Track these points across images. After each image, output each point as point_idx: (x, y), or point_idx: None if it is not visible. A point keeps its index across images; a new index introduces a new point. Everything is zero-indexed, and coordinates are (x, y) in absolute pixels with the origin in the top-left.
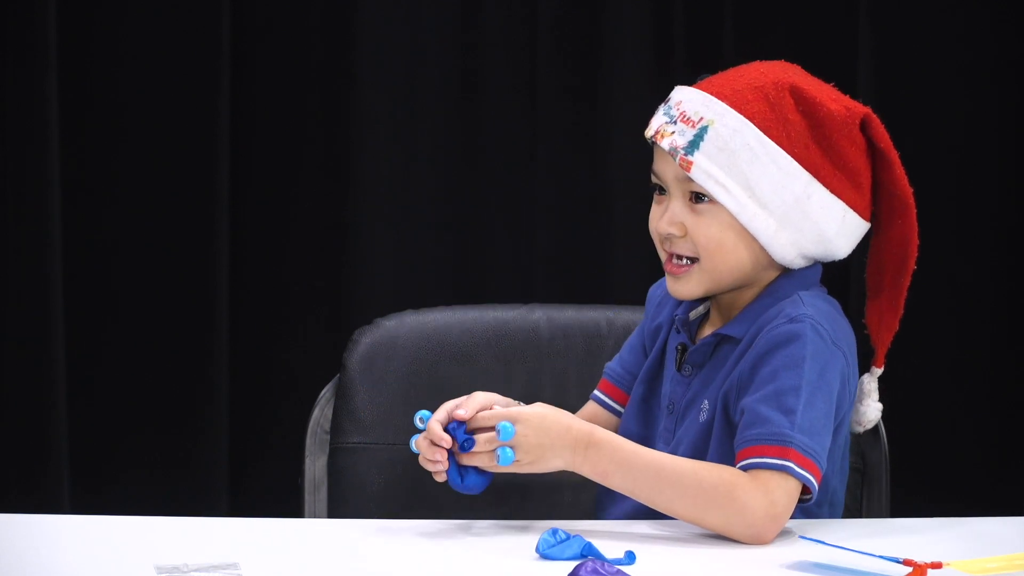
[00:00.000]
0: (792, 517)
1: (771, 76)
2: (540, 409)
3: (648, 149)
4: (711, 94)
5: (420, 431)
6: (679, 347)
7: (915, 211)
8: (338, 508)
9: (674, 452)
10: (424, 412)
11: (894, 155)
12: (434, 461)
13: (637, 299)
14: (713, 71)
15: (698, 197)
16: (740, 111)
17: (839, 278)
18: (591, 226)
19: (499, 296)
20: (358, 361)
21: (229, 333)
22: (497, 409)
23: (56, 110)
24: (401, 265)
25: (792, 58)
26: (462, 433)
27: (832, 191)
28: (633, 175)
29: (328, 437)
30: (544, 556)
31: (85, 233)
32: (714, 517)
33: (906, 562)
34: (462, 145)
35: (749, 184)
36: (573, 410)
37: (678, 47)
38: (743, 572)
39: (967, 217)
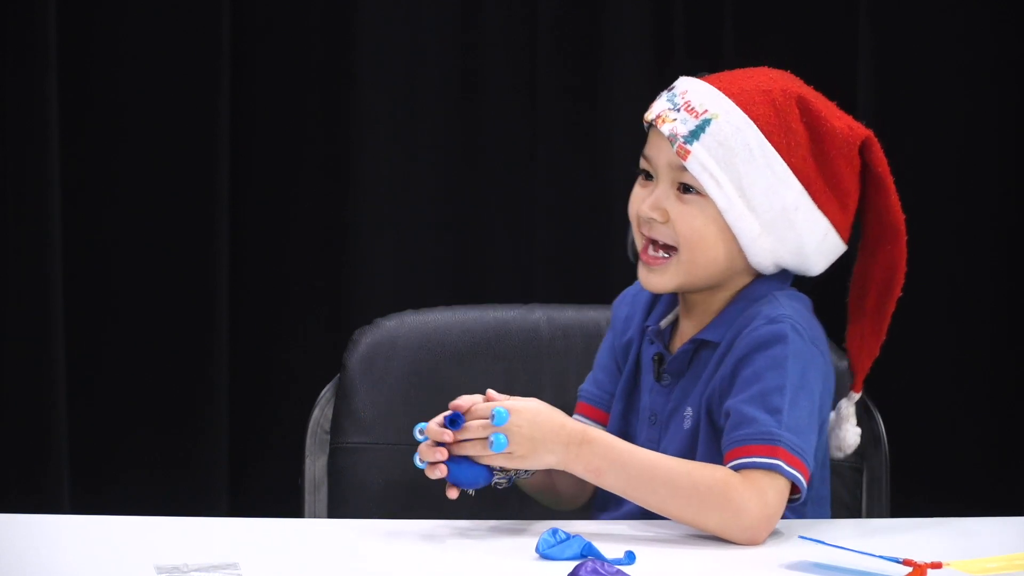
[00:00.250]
0: (783, 517)
1: (780, 83)
2: (535, 404)
3: None
4: (719, 89)
5: (421, 442)
6: (656, 357)
7: (906, 238)
8: (338, 508)
9: None
10: (422, 424)
11: (890, 180)
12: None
13: None
14: (713, 71)
15: (686, 188)
16: (746, 111)
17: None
18: (591, 226)
19: (499, 296)
20: (358, 361)
21: (229, 333)
22: (491, 392)
23: (56, 110)
24: (401, 265)
25: (792, 58)
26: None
27: (820, 207)
28: (633, 175)
29: (328, 437)
30: (544, 556)
31: (85, 233)
32: (709, 519)
33: (906, 562)
34: (462, 145)
35: (741, 184)
36: (573, 410)
37: (678, 47)
38: (743, 572)
39: (967, 217)
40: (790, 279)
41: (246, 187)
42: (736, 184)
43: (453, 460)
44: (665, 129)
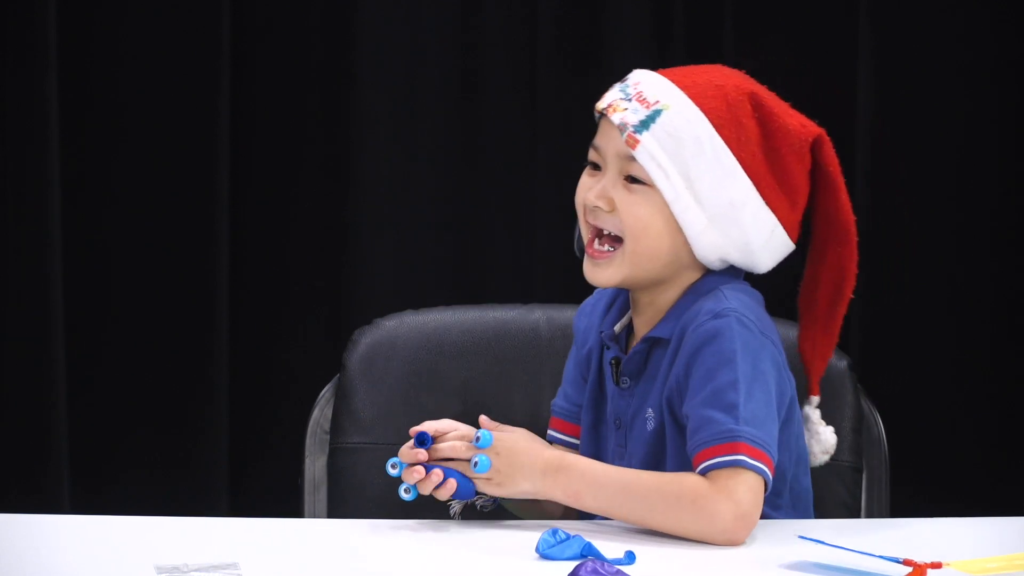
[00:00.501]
0: (765, 516)
1: (733, 80)
2: (516, 434)
3: None
4: (672, 81)
5: (395, 476)
6: (612, 361)
7: (856, 239)
8: (338, 508)
9: (628, 466)
10: (394, 459)
11: (840, 180)
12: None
13: None
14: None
15: (633, 179)
16: (697, 103)
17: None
18: None
19: (499, 296)
20: (358, 361)
21: (229, 333)
22: (484, 418)
23: (56, 110)
24: (401, 265)
25: (792, 58)
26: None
27: (768, 203)
28: None
29: (328, 437)
30: (544, 556)
31: (85, 233)
32: (688, 527)
33: (906, 562)
34: (462, 145)
35: (689, 176)
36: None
37: (678, 47)
38: (743, 572)
39: (967, 217)
40: (741, 275)
41: (246, 187)
42: (684, 176)
43: (447, 469)
44: (615, 118)
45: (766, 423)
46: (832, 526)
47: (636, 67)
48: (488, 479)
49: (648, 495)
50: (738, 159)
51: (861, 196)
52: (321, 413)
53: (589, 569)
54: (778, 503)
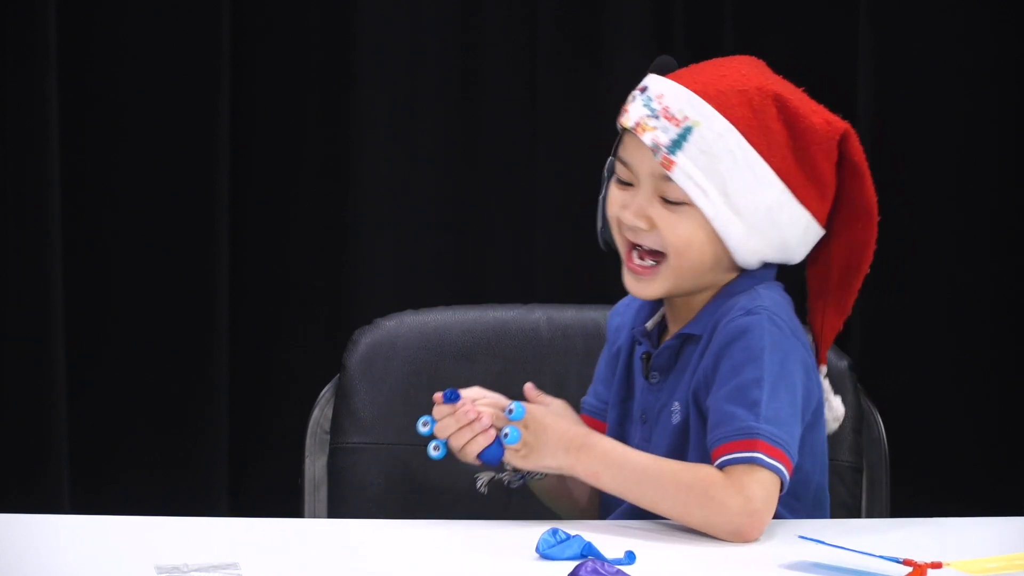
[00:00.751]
0: (780, 517)
1: (754, 81)
2: (546, 408)
3: None
4: (695, 92)
5: (425, 435)
6: (643, 356)
7: (878, 218)
8: (338, 508)
9: None
10: (426, 416)
11: (866, 169)
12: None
13: None
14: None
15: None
16: (725, 115)
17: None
18: (591, 226)
19: (499, 296)
20: (358, 361)
21: (229, 333)
22: (529, 388)
23: (56, 110)
24: (401, 265)
25: (792, 58)
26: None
27: (801, 201)
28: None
29: (328, 437)
30: (544, 556)
31: (85, 233)
32: (695, 517)
33: (906, 562)
34: (462, 145)
35: (726, 190)
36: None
37: (678, 47)
38: (743, 572)
39: (967, 217)
40: (774, 271)
41: (246, 187)
42: (721, 190)
43: None
44: (646, 138)
45: (788, 423)
46: (832, 526)
47: (636, 67)
48: (516, 450)
49: (662, 480)
50: (770, 165)
51: None
52: (321, 413)
53: (589, 569)
54: (796, 506)
